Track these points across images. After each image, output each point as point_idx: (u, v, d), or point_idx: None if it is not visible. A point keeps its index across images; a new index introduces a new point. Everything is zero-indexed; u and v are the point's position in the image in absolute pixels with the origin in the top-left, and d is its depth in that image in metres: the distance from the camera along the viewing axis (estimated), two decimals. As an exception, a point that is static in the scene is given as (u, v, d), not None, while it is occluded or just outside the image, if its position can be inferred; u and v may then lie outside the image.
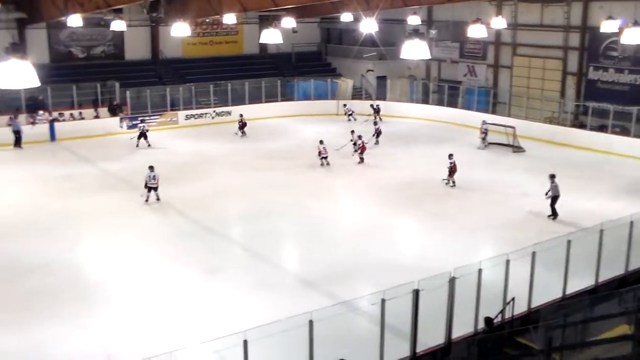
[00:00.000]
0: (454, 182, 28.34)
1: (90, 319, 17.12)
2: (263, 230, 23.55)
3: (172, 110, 42.64)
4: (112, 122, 40.64)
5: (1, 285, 19.30)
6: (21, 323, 16.95)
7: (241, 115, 39.99)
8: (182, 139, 38.63)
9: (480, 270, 15.25)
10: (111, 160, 33.89)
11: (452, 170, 28.38)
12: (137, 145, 36.58)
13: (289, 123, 43.02)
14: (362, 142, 32.92)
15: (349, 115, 43.82)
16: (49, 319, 17.15)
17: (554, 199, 24.19)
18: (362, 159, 32.54)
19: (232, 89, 44.21)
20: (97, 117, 40.84)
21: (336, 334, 14.35)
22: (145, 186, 26.06)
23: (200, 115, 43.14)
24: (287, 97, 46.82)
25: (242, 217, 25.41)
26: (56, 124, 39.03)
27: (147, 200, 26.03)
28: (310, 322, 12.22)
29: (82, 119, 40.65)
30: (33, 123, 38.60)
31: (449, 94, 44.08)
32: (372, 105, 43.42)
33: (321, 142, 32.40)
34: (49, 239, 22.58)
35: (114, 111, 41.59)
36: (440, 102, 44.62)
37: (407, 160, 33.47)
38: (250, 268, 20.41)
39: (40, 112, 39.31)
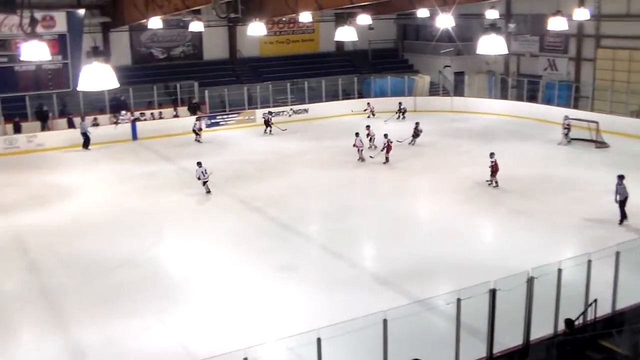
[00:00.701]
0: (496, 182, 27.37)
1: (168, 315, 17.35)
2: (340, 228, 23.50)
3: (249, 108, 43.02)
4: (191, 121, 41.16)
5: (84, 281, 19.77)
6: (102, 318, 17.29)
7: (270, 113, 40.75)
8: (260, 137, 38.91)
9: (560, 270, 14.81)
10: (190, 158, 34.24)
11: (494, 169, 27.41)
12: (198, 140, 38.06)
13: (365, 120, 42.79)
14: (388, 141, 32.04)
15: (371, 111, 43.67)
16: (129, 314, 17.45)
17: (623, 202, 22.94)
18: (387, 159, 31.95)
19: (308, 87, 44.37)
20: (176, 116, 41.51)
21: (411, 333, 14.17)
22: (201, 181, 27.31)
23: (278, 113, 43.32)
24: (363, 94, 46.69)
25: (319, 214, 25.38)
26: (138, 124, 39.87)
27: (209, 192, 27.38)
28: (385, 321, 12.06)
29: (162, 118, 41.39)
30: (116, 123, 39.53)
31: (528, 88, 43.11)
32: (400, 105, 43.06)
33: (357, 134, 32.56)
34: (131, 236, 23.01)
35: (193, 110, 42.19)
36: (519, 98, 43.60)
37: (487, 157, 32.85)
38: (326, 266, 20.37)
39: (123, 112, 40.26)
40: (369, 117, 42.92)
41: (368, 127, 34.85)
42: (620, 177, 23.07)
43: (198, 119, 38.92)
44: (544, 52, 45.87)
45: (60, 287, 19.48)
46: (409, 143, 35.19)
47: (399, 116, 42.63)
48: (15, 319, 17.92)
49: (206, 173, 27.16)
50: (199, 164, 27.32)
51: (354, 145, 32.50)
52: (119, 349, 15.73)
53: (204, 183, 27.25)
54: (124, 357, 15.26)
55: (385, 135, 32.10)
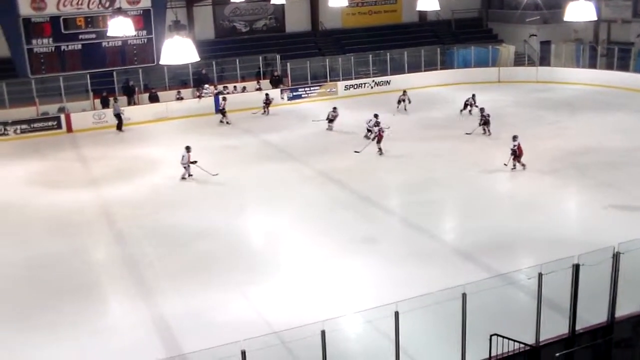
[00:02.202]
0: (523, 164, 25.82)
1: (250, 286, 17.55)
2: (422, 200, 23.31)
3: (331, 80, 42.97)
4: (274, 94, 41.41)
5: (168, 252, 20.21)
6: (185, 288, 17.66)
7: (267, 95, 39.15)
8: (342, 109, 38.79)
9: (650, 243, 14.43)
10: (272, 131, 34.60)
11: (518, 153, 25.74)
12: (223, 121, 37.23)
13: (449, 92, 42.29)
14: (380, 130, 29.14)
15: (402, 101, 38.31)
16: (211, 285, 17.77)
17: None
18: (380, 149, 28.83)
19: (391, 59, 43.99)
20: (259, 89, 41.71)
21: (490, 307, 14.03)
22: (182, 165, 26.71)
23: (360, 86, 43.21)
24: (446, 65, 46.05)
25: (401, 187, 25.21)
26: (221, 97, 40.24)
27: (184, 178, 26.80)
28: (464, 295, 11.96)
29: (245, 90, 41.71)
30: (199, 97, 40.06)
31: (619, 57, 41.47)
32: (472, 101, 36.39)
33: (376, 115, 31.04)
34: (213, 208, 23.35)
35: (275, 83, 42.41)
36: (609, 66, 42.10)
37: (574, 128, 32.07)
38: (406, 238, 20.28)
39: (206, 85, 40.73)
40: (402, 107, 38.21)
41: (376, 115, 31.55)
42: None
43: (219, 93, 39.41)
44: (638, 18, 44.05)
45: (145, 258, 19.96)
46: (484, 133, 31.47)
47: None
48: (103, 288, 18.47)
49: (184, 159, 26.50)
50: (188, 148, 26.67)
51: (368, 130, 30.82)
52: (201, 319, 15.99)
53: (185, 167, 26.70)
54: (206, 328, 15.47)
55: (377, 124, 29.59)
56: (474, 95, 35.81)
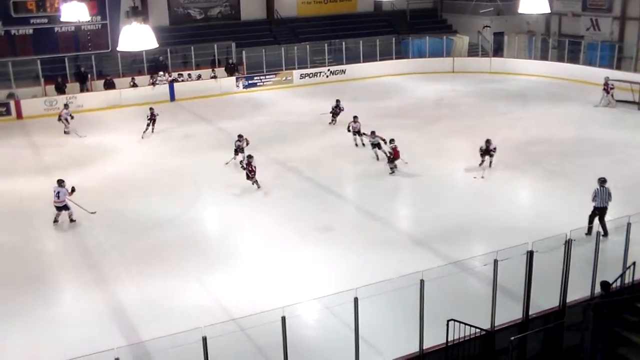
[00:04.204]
0: (395, 166, 24.99)
1: (207, 274, 17.61)
2: (377, 189, 23.56)
3: (287, 69, 43.03)
4: (229, 82, 41.39)
5: (123, 241, 20.15)
6: (141, 277, 17.67)
7: (151, 109, 32.33)
8: (297, 98, 38.96)
9: (598, 233, 14.82)
10: (228, 119, 34.56)
11: (394, 156, 24.96)
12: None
13: (403, 81, 42.66)
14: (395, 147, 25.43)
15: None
16: (168, 274, 17.76)
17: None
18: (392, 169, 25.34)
19: (346, 48, 44.22)
20: (214, 77, 41.65)
21: (447, 294, 14.31)
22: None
23: (315, 75, 43.37)
24: (401, 55, 46.40)
25: (356, 175, 25.38)
26: (175, 85, 40.12)
27: (56, 221, 21.44)
28: (422, 282, 12.14)
29: (200, 78, 41.56)
30: (154, 84, 39.78)
31: (569, 49, 42.19)
32: (337, 102, 33.11)
33: (338, 100, 31.87)
34: (169, 197, 23.30)
35: (230, 71, 42.34)
36: (560, 59, 42.74)
37: (526, 119, 32.55)
38: (362, 227, 20.47)
39: (161, 73, 40.52)
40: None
41: (338, 101, 32.40)
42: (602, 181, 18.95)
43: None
44: (587, 12, 44.90)
45: (100, 247, 19.86)
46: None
47: (332, 120, 33.03)
48: (57, 277, 18.33)
49: (59, 197, 20.91)
50: (60, 182, 21.28)
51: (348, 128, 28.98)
52: (158, 307, 16.02)
53: (58, 208, 21.25)
54: (163, 315, 15.49)
55: (392, 141, 25.47)
56: (338, 101, 33.07)
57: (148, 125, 31.63)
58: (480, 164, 24.70)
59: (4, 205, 23.38)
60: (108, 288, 17.20)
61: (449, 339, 12.56)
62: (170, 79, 40.43)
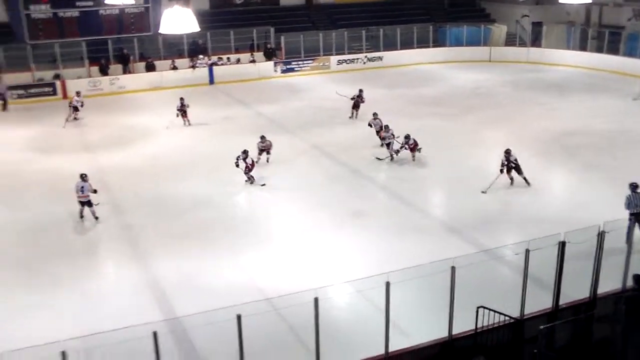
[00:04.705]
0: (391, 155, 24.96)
1: (242, 254, 17.79)
2: (410, 176, 23.55)
3: (324, 55, 43.00)
4: (267, 66, 41.52)
5: (161, 219, 20.41)
6: (178, 254, 17.87)
7: (181, 99, 31.23)
8: (334, 84, 38.88)
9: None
10: (265, 103, 34.69)
11: (413, 148, 24.71)
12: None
13: (440, 69, 42.46)
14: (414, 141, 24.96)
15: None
16: (204, 252, 17.99)
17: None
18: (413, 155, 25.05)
19: (384, 35, 44.00)
20: (252, 61, 41.79)
21: (477, 281, 14.28)
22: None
23: (352, 61, 43.34)
24: (438, 43, 46.13)
25: (389, 162, 25.34)
26: (215, 68, 40.33)
27: (82, 216, 20.34)
28: (453, 268, 12.15)
29: (239, 62, 41.72)
30: (193, 67, 40.07)
31: (609, 40, 41.38)
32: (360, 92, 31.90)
33: (361, 90, 30.97)
34: (206, 178, 23.52)
35: (269, 56, 42.44)
36: (599, 50, 42.02)
37: (563, 110, 32.22)
38: (395, 213, 20.47)
39: (200, 56, 40.77)
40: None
41: (361, 90, 30.54)
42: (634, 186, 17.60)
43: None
44: (629, 1, 43.78)
45: (140, 224, 20.14)
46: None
47: (353, 114, 31.50)
48: (98, 252, 18.72)
49: (83, 191, 19.89)
50: (83, 176, 20.23)
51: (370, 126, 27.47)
52: (195, 284, 16.24)
53: (82, 203, 20.16)
54: (198, 292, 15.70)
55: (407, 137, 24.98)
56: (361, 91, 31.93)
57: (177, 115, 30.67)
58: (498, 177, 21.74)
59: (50, 181, 23.78)
60: (147, 264, 17.47)
61: (478, 326, 12.57)
62: (209, 62, 40.69)
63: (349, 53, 43.65)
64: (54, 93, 37.00)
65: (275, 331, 13.69)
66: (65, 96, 36.93)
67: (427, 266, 12.80)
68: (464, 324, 12.58)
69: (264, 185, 22.61)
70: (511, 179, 21.96)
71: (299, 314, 12.50)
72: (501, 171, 21.74)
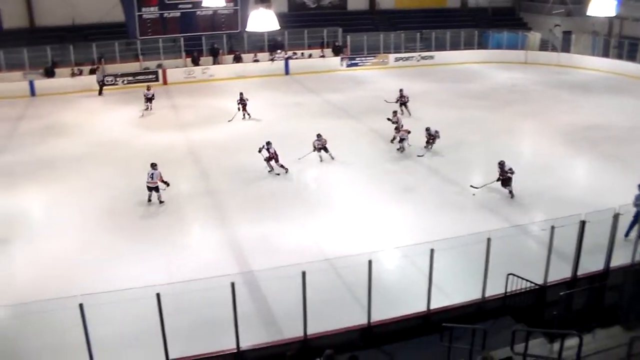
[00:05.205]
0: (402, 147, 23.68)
1: (309, 220, 17.88)
2: (454, 159, 23.14)
3: (384, 52, 42.67)
4: (335, 61, 41.44)
5: (242, 187, 20.61)
6: (255, 218, 18.04)
7: (241, 94, 29.43)
8: (391, 78, 38.58)
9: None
10: (332, 92, 34.59)
11: (432, 139, 23.76)
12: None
13: (482, 68, 41.68)
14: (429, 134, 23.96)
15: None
16: (277, 217, 18.11)
17: None
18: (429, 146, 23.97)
19: (435, 37, 43.43)
20: (322, 56, 41.76)
21: (508, 252, 14.07)
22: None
23: (408, 58, 42.89)
24: (482, 45, 45.27)
25: (438, 145, 24.95)
26: (290, 61, 40.36)
27: (149, 200, 19.36)
28: (488, 240, 12.01)
29: (311, 57, 41.68)
30: (272, 60, 40.20)
31: (628, 49, 40.06)
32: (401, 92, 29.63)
33: (401, 90, 29.00)
34: (281, 153, 23.12)
35: (336, 52, 42.30)
36: (619, 57, 40.60)
37: (587, 107, 31.32)
38: (440, 190, 20.23)
39: (278, 51, 40.83)
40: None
41: (395, 113, 26.09)
42: None
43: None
44: (647, 16, 42.39)
45: (223, 191, 20.36)
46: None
47: (401, 111, 28.45)
48: (187, 212, 18.95)
49: (153, 177, 19.04)
50: (153, 165, 19.37)
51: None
52: (267, 244, 16.40)
53: (150, 189, 19.20)
54: (271, 251, 15.85)
55: (428, 129, 24.15)
56: (401, 90, 29.81)
57: (238, 109, 28.93)
58: (493, 182, 19.60)
59: (150, 154, 24.01)
60: (228, 224, 17.71)
61: (507, 290, 12.43)
62: (286, 56, 40.73)
63: (405, 52, 43.18)
64: (157, 79, 37.48)
65: (333, 287, 13.74)
66: (165, 82, 37.45)
67: (466, 237, 12.69)
68: (495, 288, 12.44)
69: (278, 174, 21.62)
70: (510, 192, 19.24)
71: (354, 273, 12.53)
72: (498, 180, 19.30)
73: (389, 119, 25.45)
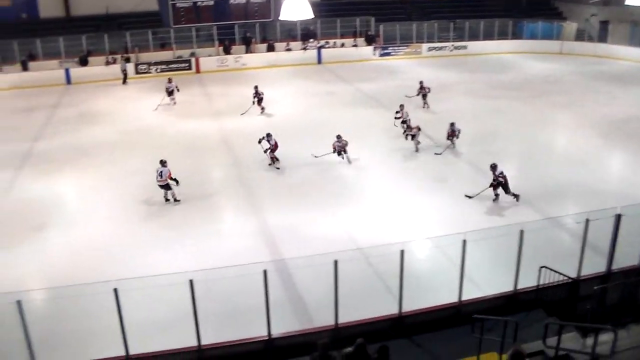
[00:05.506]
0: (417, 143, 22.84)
1: (339, 209, 17.84)
2: (489, 149, 22.85)
3: (417, 42, 42.36)
4: (367, 50, 41.29)
5: (273, 176, 20.64)
6: (286, 206, 18.09)
7: (256, 87, 28.64)
8: (424, 67, 38.35)
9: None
10: (365, 81, 34.47)
11: (451, 135, 22.79)
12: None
13: (516, 59, 41.18)
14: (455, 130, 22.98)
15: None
16: (308, 205, 18.14)
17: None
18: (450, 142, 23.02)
19: (469, 27, 43.04)
20: (355, 45, 41.62)
21: (541, 244, 13.88)
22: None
23: (441, 48, 42.56)
24: (516, 36, 44.71)
25: (470, 136, 24.72)
26: (322, 50, 40.33)
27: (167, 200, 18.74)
28: (521, 232, 11.85)
29: (343, 46, 41.55)
30: (305, 49, 40.18)
31: (669, 38, 39.49)
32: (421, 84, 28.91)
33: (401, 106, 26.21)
34: (313, 142, 23.28)
35: (369, 41, 42.14)
36: (658, 47, 40.03)
37: (623, 99, 30.77)
38: (472, 180, 19.96)
39: (311, 40, 40.81)
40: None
41: (402, 107, 24.70)
42: None
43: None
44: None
45: (254, 180, 20.43)
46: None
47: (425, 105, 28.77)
48: (220, 199, 19.07)
49: (162, 176, 18.41)
50: (163, 162, 18.67)
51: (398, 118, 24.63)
52: (298, 232, 16.43)
53: (162, 187, 18.60)
54: (301, 239, 15.88)
55: (452, 125, 23.15)
56: (421, 82, 29.05)
57: (253, 103, 28.21)
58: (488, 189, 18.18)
59: (183, 141, 24.37)
60: (259, 212, 17.76)
61: (540, 283, 12.29)
62: (318, 45, 40.69)
63: (438, 41, 42.84)
64: (189, 68, 37.81)
65: (364, 276, 13.72)
66: (198, 70, 37.69)
67: (499, 228, 12.58)
68: (527, 281, 12.28)
69: (278, 168, 21.29)
70: (496, 195, 18.05)
71: (385, 263, 12.50)
72: (490, 185, 17.98)
73: (396, 118, 24.48)
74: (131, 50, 38.11)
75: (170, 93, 30.13)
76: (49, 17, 39.74)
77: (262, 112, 28.18)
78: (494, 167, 17.96)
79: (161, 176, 18.43)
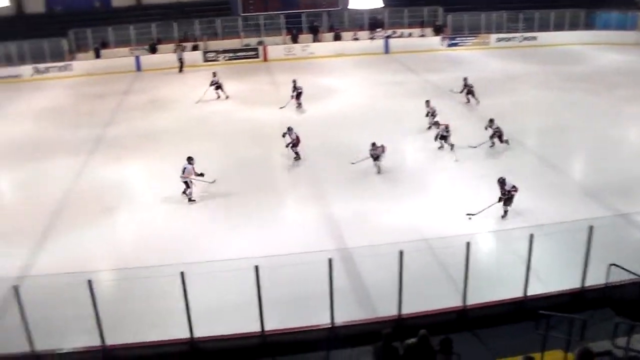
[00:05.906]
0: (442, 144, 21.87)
1: (404, 199, 17.77)
2: (556, 142, 22.34)
3: (485, 32, 41.66)
4: (435, 40, 40.86)
5: (338, 164, 20.59)
6: (351, 196, 18.11)
7: (294, 81, 27.95)
8: (492, 58, 37.69)
9: None
10: (432, 72, 34.12)
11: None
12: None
13: (588, 50, 39.94)
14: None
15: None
16: (372, 195, 18.11)
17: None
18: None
19: (539, 17, 41.98)
20: (422, 35, 41.26)
21: (611, 241, 13.41)
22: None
23: (510, 39, 41.70)
24: (588, 26, 43.39)
25: (538, 128, 24.20)
26: (390, 40, 40.09)
27: (189, 198, 18.25)
28: (590, 228, 11.55)
29: (410, 36, 41.23)
30: (372, 38, 40.05)
31: None
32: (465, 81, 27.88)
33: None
34: (380, 132, 22.97)
35: (437, 31, 41.67)
36: None
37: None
38: (541, 174, 19.56)
39: (378, 29, 40.66)
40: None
41: (428, 102, 24.27)
42: None
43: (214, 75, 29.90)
44: None
45: (319, 168, 20.50)
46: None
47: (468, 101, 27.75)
48: (287, 187, 19.23)
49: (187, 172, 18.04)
50: (189, 159, 18.26)
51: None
52: (362, 221, 16.43)
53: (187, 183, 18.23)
54: (366, 228, 15.88)
55: (492, 121, 21.97)
56: (465, 79, 28.07)
57: (292, 97, 27.50)
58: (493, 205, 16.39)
59: (250, 129, 24.65)
60: (323, 201, 17.82)
61: (609, 281, 11.96)
62: (386, 35, 40.48)
63: (507, 32, 41.99)
64: (257, 56, 38.16)
65: (428, 268, 13.61)
66: (265, 59, 37.99)
67: (566, 224, 12.30)
68: (595, 278, 11.98)
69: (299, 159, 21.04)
70: (505, 212, 16.42)
71: (450, 255, 12.41)
72: (499, 200, 16.33)
73: (428, 114, 23.77)
74: (199, 38, 38.70)
75: (217, 87, 29.54)
76: (120, 5, 40.85)
77: (298, 107, 27.41)
78: (502, 182, 16.32)
79: (183, 172, 17.98)
